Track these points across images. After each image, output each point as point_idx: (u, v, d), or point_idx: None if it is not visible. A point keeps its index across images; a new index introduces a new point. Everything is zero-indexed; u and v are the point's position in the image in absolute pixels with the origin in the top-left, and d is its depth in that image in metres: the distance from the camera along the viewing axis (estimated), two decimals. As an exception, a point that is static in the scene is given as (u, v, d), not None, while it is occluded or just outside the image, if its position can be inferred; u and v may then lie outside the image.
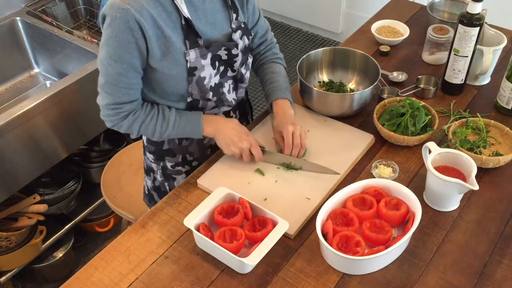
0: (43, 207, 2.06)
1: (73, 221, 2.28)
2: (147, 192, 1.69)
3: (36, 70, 2.40)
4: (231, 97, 1.46)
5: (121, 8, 1.18)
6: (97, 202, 2.36)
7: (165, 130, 1.37)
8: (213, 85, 1.38)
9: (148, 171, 1.62)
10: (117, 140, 2.44)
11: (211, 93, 1.38)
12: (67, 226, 2.25)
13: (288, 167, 1.41)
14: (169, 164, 1.54)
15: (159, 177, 1.59)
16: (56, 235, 2.21)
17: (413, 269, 1.18)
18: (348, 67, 1.69)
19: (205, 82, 1.35)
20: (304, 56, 1.63)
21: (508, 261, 1.20)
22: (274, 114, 1.49)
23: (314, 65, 1.69)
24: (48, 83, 2.38)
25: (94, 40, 2.10)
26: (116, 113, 1.32)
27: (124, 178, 1.95)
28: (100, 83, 1.30)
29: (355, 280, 1.16)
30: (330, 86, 1.67)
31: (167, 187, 1.59)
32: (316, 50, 1.67)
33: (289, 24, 3.95)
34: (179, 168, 1.54)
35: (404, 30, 1.93)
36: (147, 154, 1.56)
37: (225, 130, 1.38)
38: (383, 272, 1.18)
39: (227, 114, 1.50)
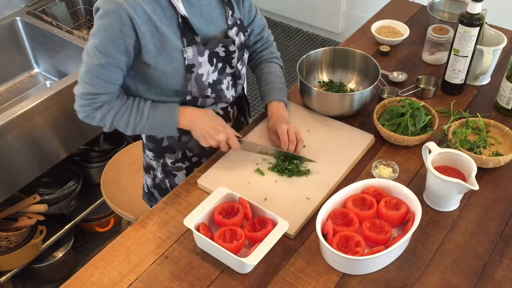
0: (43, 207, 2.06)
1: (73, 221, 2.28)
2: (146, 191, 1.69)
3: (36, 70, 2.40)
4: (229, 93, 1.46)
5: (114, 2, 1.19)
6: (97, 202, 2.36)
7: (139, 122, 1.35)
8: (211, 82, 1.38)
9: (148, 169, 1.62)
10: (117, 140, 2.44)
11: (209, 90, 1.38)
12: (67, 226, 2.25)
13: (263, 154, 1.43)
14: (169, 161, 1.54)
15: (159, 175, 1.59)
16: (56, 235, 2.21)
17: (413, 269, 1.18)
18: (348, 67, 1.69)
19: (204, 79, 1.35)
20: (304, 56, 1.63)
21: (508, 261, 1.20)
22: (269, 115, 1.49)
23: (314, 65, 1.69)
24: (48, 83, 2.38)
25: (94, 40, 2.10)
26: (90, 103, 1.31)
27: (124, 178, 1.95)
28: (81, 72, 1.29)
29: (355, 280, 1.16)
30: (330, 86, 1.68)
31: (168, 184, 1.59)
32: (316, 50, 1.67)
33: (289, 24, 3.95)
34: (179, 164, 1.54)
35: (404, 30, 1.93)
36: (147, 151, 1.56)
37: (200, 123, 1.36)
38: (383, 272, 1.18)
39: (224, 110, 1.50)
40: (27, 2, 2.31)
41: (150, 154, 1.55)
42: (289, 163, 1.41)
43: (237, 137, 1.40)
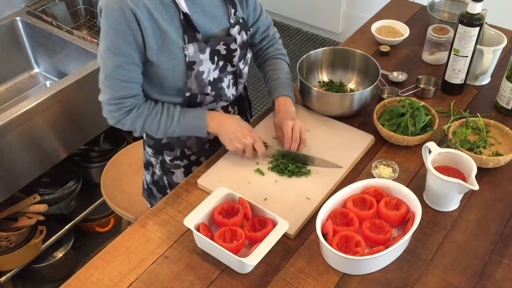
0: (43, 207, 2.06)
1: (73, 221, 2.28)
2: (146, 187, 1.69)
3: (36, 70, 2.40)
4: (230, 92, 1.47)
5: None
6: (97, 202, 2.36)
7: (170, 126, 1.37)
8: (211, 80, 1.38)
9: (147, 165, 1.62)
10: (117, 140, 2.44)
11: (209, 88, 1.39)
12: (67, 226, 2.25)
13: (293, 159, 1.42)
14: (167, 158, 1.54)
15: (157, 171, 1.59)
16: (56, 235, 2.21)
17: (413, 269, 1.18)
18: (348, 67, 1.69)
19: (204, 76, 1.35)
20: (304, 56, 1.63)
21: (508, 261, 1.20)
22: (276, 111, 1.49)
23: (314, 65, 1.69)
24: (48, 83, 2.38)
25: (94, 40, 2.10)
26: (118, 108, 1.32)
27: (124, 178, 1.95)
28: (100, 79, 1.30)
29: (355, 280, 1.16)
30: (330, 86, 1.68)
31: (166, 182, 1.60)
32: (316, 50, 1.67)
33: (289, 24, 3.95)
34: (178, 162, 1.55)
35: (404, 30, 1.93)
36: (146, 148, 1.57)
37: (228, 126, 1.38)
38: (383, 272, 1.18)
39: (225, 109, 1.51)
40: (27, 2, 2.31)
41: (149, 150, 1.56)
42: (290, 163, 1.41)
43: (263, 143, 1.41)
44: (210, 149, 1.53)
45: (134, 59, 1.27)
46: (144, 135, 1.56)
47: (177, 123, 1.37)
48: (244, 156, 1.41)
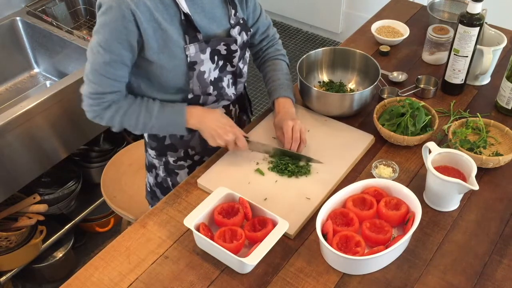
0: (43, 207, 2.06)
1: (73, 221, 2.28)
2: (149, 190, 1.69)
3: (36, 70, 2.40)
4: (230, 91, 1.47)
5: None
6: (97, 202, 2.36)
7: (148, 122, 1.35)
8: (212, 79, 1.38)
9: (150, 167, 1.62)
10: (117, 140, 2.44)
11: (211, 87, 1.39)
12: (67, 226, 2.25)
13: (272, 155, 1.44)
14: (171, 159, 1.54)
15: (161, 173, 1.59)
16: (56, 235, 2.21)
17: (413, 269, 1.18)
18: (348, 67, 1.69)
19: (205, 76, 1.35)
20: (304, 56, 1.63)
21: (508, 261, 1.20)
22: (276, 112, 1.49)
23: (314, 65, 1.69)
24: (48, 83, 2.38)
25: (94, 40, 2.10)
26: (98, 103, 1.31)
27: (124, 178, 1.95)
28: (86, 71, 1.29)
29: (355, 280, 1.16)
30: (330, 86, 1.68)
31: (170, 183, 1.59)
32: (316, 50, 1.67)
33: (289, 24, 3.96)
34: (181, 162, 1.54)
35: (404, 30, 1.93)
36: (149, 150, 1.56)
37: (209, 122, 1.37)
38: (383, 272, 1.18)
39: (226, 108, 1.51)
40: (27, 2, 2.31)
41: (152, 152, 1.56)
42: (290, 163, 1.41)
43: (245, 137, 1.41)
44: (214, 148, 1.53)
45: (124, 58, 1.26)
46: (146, 137, 1.55)
47: (155, 119, 1.35)
48: (242, 159, 1.41)
